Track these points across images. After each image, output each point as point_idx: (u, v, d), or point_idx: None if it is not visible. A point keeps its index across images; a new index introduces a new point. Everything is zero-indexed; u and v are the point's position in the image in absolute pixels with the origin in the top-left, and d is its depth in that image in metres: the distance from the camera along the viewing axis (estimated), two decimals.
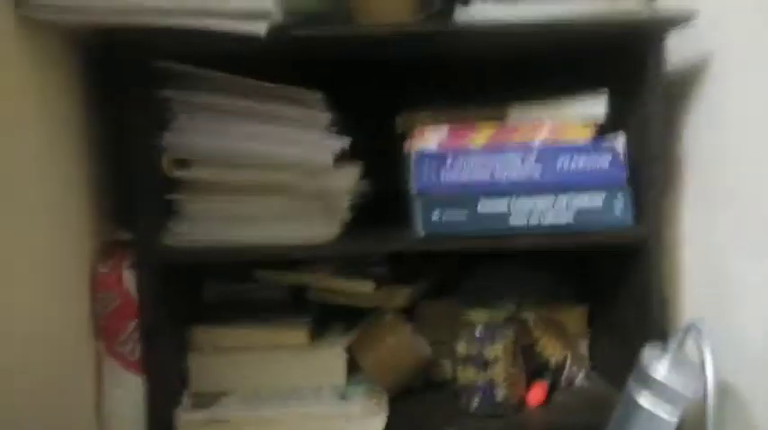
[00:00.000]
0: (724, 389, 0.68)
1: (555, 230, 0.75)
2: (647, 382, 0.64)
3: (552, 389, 0.87)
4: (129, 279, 0.74)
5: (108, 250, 0.76)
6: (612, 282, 0.87)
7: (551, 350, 0.89)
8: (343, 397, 0.81)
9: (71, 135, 0.74)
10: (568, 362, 0.89)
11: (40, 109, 0.67)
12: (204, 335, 0.84)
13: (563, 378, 0.89)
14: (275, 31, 0.67)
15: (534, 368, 0.87)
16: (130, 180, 0.74)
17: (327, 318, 0.91)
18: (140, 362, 0.74)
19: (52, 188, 0.69)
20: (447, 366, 0.90)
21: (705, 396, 0.60)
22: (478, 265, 0.97)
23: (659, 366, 0.64)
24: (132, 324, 0.73)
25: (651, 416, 0.63)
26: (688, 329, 0.63)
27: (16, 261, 0.60)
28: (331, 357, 0.84)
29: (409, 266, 0.92)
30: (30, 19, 0.62)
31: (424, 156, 0.77)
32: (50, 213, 0.68)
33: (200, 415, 0.77)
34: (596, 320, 0.93)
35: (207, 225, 0.77)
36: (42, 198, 0.66)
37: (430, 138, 0.79)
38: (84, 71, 0.77)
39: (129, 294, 0.73)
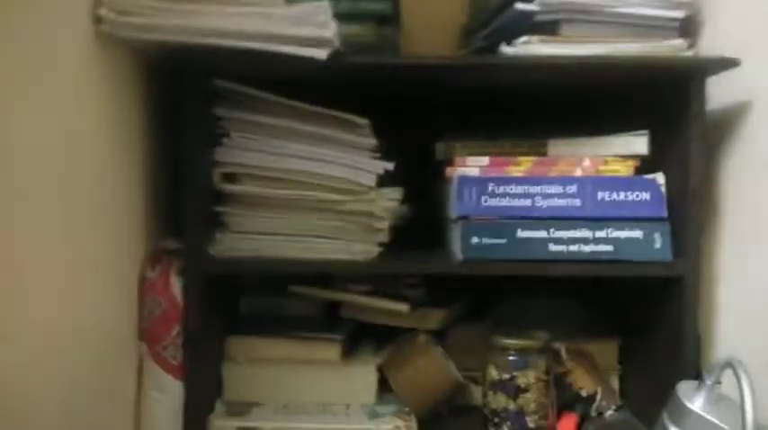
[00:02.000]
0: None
1: (594, 260, 0.76)
2: (684, 414, 0.64)
3: (582, 421, 0.86)
4: (175, 285, 0.76)
5: (156, 257, 0.79)
6: (645, 318, 0.87)
7: (582, 382, 0.89)
8: (372, 415, 0.82)
9: (130, 145, 0.77)
10: (599, 395, 0.89)
11: (107, 120, 0.70)
12: (239, 345, 0.86)
13: (593, 411, 0.89)
14: (333, 58, 0.70)
15: (564, 399, 0.88)
16: (182, 191, 0.77)
17: (360, 337, 0.92)
18: (181, 368, 0.76)
19: (109, 195, 0.71)
20: (476, 392, 0.90)
21: None
22: (513, 294, 0.98)
23: (696, 399, 0.64)
24: (175, 329, 0.76)
25: None
26: (726, 365, 0.63)
27: (71, 261, 0.62)
28: (362, 375, 0.85)
29: (444, 291, 0.94)
30: (105, 34, 0.66)
31: (466, 181, 0.79)
32: (106, 218, 0.70)
33: (232, 422, 0.79)
34: (627, 355, 0.93)
35: (251, 238, 0.80)
36: (100, 203, 0.69)
37: (472, 165, 0.81)
38: (147, 85, 0.81)
39: (175, 300, 0.76)
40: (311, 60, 0.69)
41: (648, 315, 0.86)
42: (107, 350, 0.70)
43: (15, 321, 0.53)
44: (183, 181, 0.77)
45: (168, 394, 0.75)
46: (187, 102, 0.77)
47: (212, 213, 0.80)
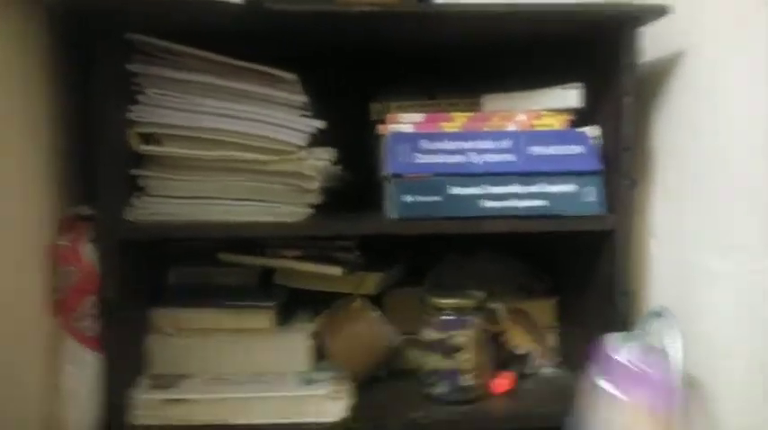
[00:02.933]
0: (686, 380, 0.68)
1: (527, 214, 0.75)
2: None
3: (519, 379, 0.86)
4: (88, 253, 0.71)
5: (69, 224, 0.73)
6: (581, 275, 0.87)
7: (519, 341, 0.89)
8: (307, 382, 0.79)
9: (35, 106, 0.71)
10: (535, 353, 0.89)
11: (4, 78, 0.64)
12: (166, 316, 0.82)
13: (530, 369, 0.89)
14: (251, 4, 0.66)
15: (501, 358, 0.87)
16: (95, 153, 0.72)
17: (294, 304, 0.89)
18: (97, 340, 0.71)
19: (13, 158, 0.66)
20: (413, 355, 0.89)
21: (670, 380, 0.60)
22: (450, 255, 0.96)
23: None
24: (91, 300, 0.71)
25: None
26: (654, 314, 0.64)
27: None
28: (296, 342, 0.83)
29: (379, 253, 0.91)
30: None
31: (398, 138, 0.76)
32: (9, 184, 0.65)
33: (158, 395, 0.75)
34: (565, 312, 0.93)
35: (171, 202, 0.76)
36: (2, 168, 0.64)
37: (405, 122, 0.78)
38: (52, 40, 0.74)
39: (89, 269, 0.71)
40: (230, 7, 0.64)
41: (583, 271, 0.86)
42: (15, 322, 0.65)
43: None
44: (95, 142, 0.72)
45: (85, 367, 0.70)
46: (98, 57, 0.71)
47: (129, 176, 0.75)
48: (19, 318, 0.66)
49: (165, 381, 0.78)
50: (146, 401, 0.75)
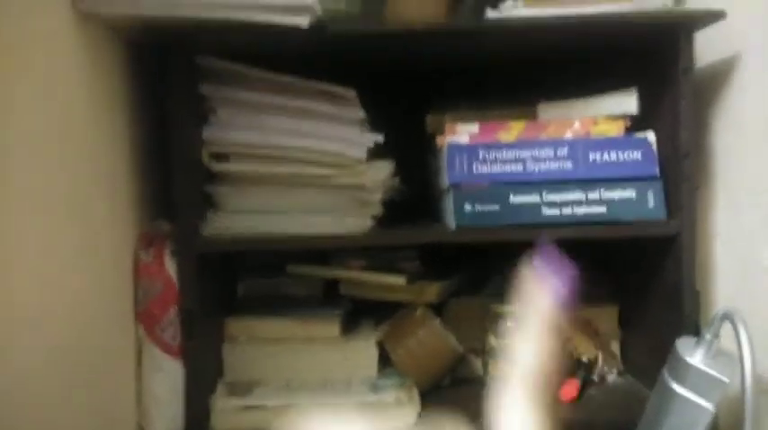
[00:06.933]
0: (757, 382, 0.68)
1: (588, 221, 0.75)
2: (684, 369, 0.63)
3: (584, 387, 0.86)
4: (170, 266, 0.76)
5: (149, 239, 0.78)
6: (643, 280, 0.87)
7: (583, 349, 0.89)
8: (374, 389, 0.81)
9: (116, 127, 0.76)
10: (600, 361, 0.89)
11: (89, 101, 0.69)
12: (238, 326, 0.86)
13: (595, 376, 0.89)
14: (314, 27, 0.69)
15: (566, 366, 0.87)
16: (171, 172, 0.77)
17: (359, 314, 0.92)
18: (180, 348, 0.75)
19: (99, 178, 0.71)
20: (476, 363, 0.90)
21: (743, 383, 0.60)
22: (510, 264, 0.97)
23: (695, 352, 0.63)
24: (173, 310, 0.75)
25: (688, 403, 0.62)
26: (723, 317, 0.63)
27: (63, 248, 0.62)
28: (362, 350, 0.85)
29: (440, 263, 0.93)
30: (83, 14, 0.65)
31: (456, 148, 0.78)
32: (96, 202, 0.70)
33: (234, 402, 0.78)
34: (627, 319, 0.93)
35: (243, 217, 0.79)
36: (89, 187, 0.68)
37: (462, 133, 0.81)
38: (131, 64, 0.80)
39: (171, 281, 0.75)
40: (295, 30, 0.68)
41: (646, 277, 0.86)
42: (104, 332, 0.70)
43: (5, 305, 0.53)
44: (172, 161, 0.77)
45: (168, 374, 0.75)
46: (172, 80, 0.76)
47: (204, 193, 0.79)
48: (109, 327, 0.71)
49: (240, 389, 0.81)
50: (223, 408, 0.78)
